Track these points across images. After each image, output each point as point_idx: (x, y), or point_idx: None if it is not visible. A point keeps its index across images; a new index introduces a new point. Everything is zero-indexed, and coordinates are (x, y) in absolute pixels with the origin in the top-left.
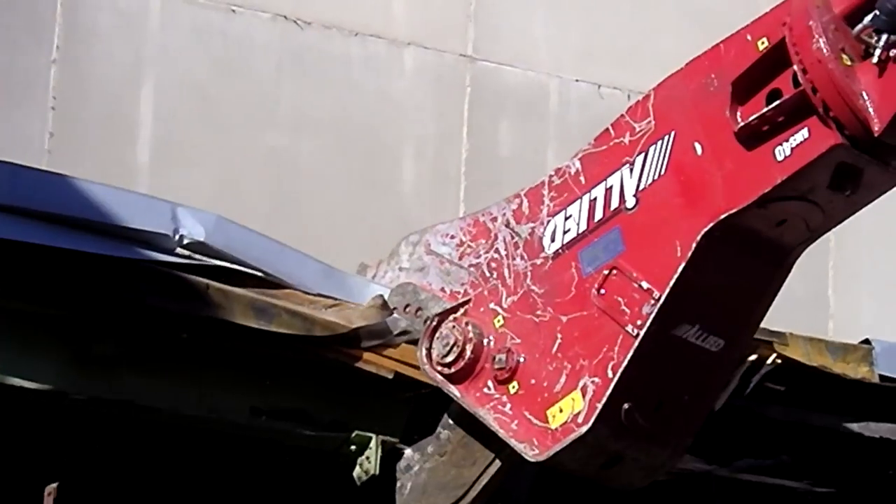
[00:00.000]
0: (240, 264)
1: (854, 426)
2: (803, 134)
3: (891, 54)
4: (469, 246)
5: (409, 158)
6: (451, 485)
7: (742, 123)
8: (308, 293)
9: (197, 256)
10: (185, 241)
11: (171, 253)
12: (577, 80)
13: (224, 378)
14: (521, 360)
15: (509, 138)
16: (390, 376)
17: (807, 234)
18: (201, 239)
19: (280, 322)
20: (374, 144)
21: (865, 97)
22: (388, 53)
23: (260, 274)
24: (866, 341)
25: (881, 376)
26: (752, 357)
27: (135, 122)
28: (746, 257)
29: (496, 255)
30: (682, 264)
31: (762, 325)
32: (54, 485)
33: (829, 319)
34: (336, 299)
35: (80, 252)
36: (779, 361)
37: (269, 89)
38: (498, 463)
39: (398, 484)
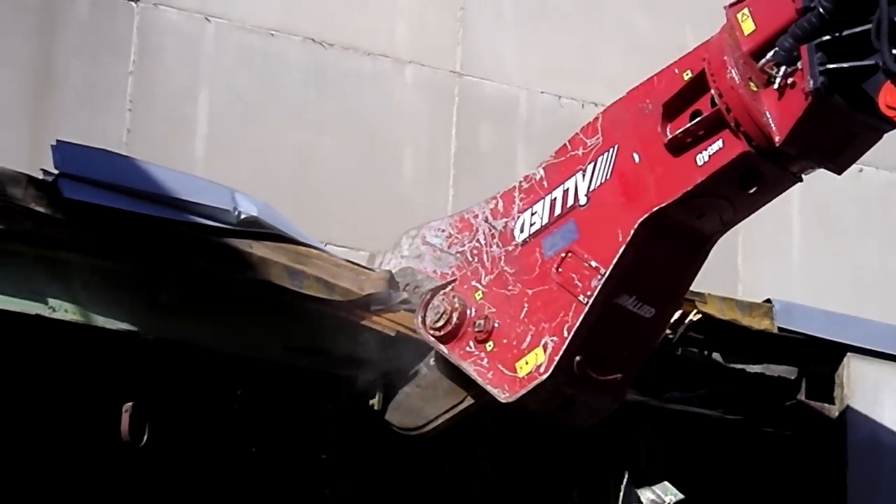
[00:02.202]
0: (283, 236)
1: (757, 367)
2: (718, 144)
3: (788, 82)
4: (456, 237)
5: (409, 154)
6: (417, 413)
7: (671, 136)
8: (334, 258)
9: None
10: (242, 217)
11: (231, 226)
12: (542, 92)
13: (263, 323)
14: (496, 325)
15: (488, 138)
16: (393, 334)
17: (720, 226)
18: (254, 214)
19: (309, 285)
20: (381, 143)
21: (768, 116)
22: (393, 69)
23: (301, 241)
24: (768, 300)
25: (779, 328)
26: (679, 312)
27: (193, 123)
28: (674, 244)
29: (477, 244)
30: (623, 247)
31: None
32: (130, 403)
33: (738, 283)
34: (357, 265)
35: (152, 221)
36: (699, 316)
37: (298, 98)
38: (461, 406)
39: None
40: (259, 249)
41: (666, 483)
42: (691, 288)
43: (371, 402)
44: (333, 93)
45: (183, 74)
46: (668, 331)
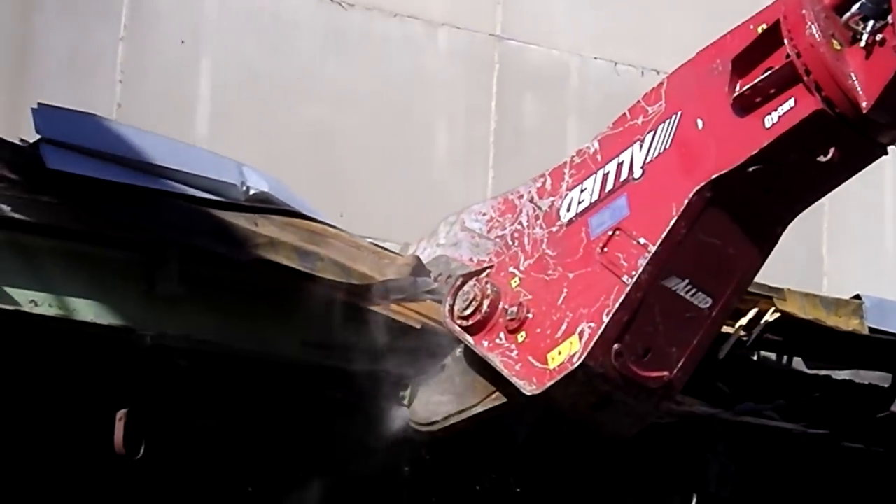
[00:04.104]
0: (295, 212)
1: (845, 374)
2: (790, 103)
3: (877, 38)
4: (497, 220)
5: (443, 130)
6: (433, 409)
7: (738, 93)
8: (354, 238)
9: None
10: (251, 192)
11: (238, 202)
12: (595, 59)
13: (276, 315)
14: (530, 314)
15: (533, 111)
16: (418, 326)
17: (792, 205)
18: (265, 190)
19: (323, 268)
20: (410, 118)
21: (854, 78)
22: (424, 33)
23: (317, 218)
24: (857, 297)
25: (870, 328)
26: (754, 311)
27: (194, 97)
28: (737, 224)
29: (519, 227)
30: (674, 218)
31: (763, 281)
32: (124, 410)
33: (823, 277)
34: (380, 248)
35: (146, 194)
36: (777, 315)
37: (314, 67)
38: (481, 407)
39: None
40: (266, 228)
41: None
42: (769, 283)
43: (402, 400)
44: (355, 61)
45: (181, 41)
46: (742, 332)
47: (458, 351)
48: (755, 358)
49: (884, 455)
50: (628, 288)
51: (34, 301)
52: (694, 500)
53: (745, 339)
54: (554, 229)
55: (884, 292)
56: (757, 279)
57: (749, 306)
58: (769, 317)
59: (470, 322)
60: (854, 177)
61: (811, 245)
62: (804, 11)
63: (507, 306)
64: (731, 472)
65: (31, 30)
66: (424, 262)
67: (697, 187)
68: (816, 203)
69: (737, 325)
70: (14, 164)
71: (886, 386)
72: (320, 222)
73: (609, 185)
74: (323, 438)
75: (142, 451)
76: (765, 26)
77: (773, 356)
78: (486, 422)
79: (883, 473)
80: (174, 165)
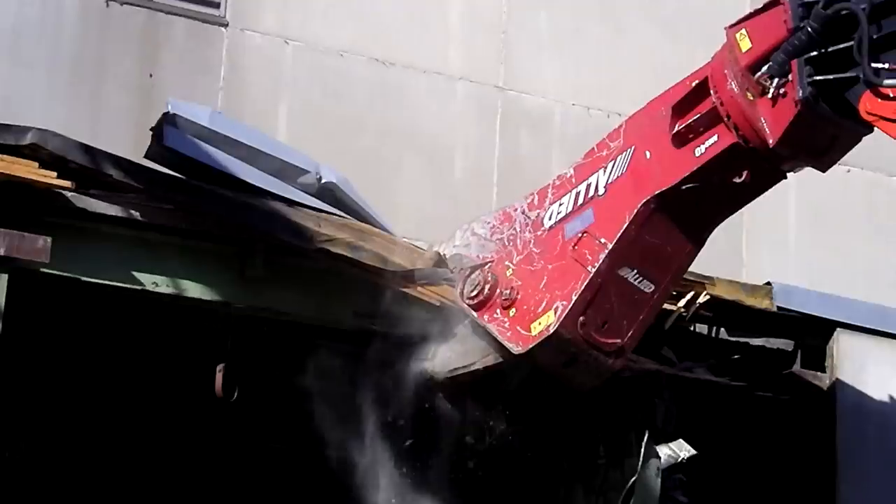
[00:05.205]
0: (356, 207)
1: (759, 341)
2: (714, 138)
3: (780, 92)
4: (497, 227)
5: (460, 158)
6: (445, 364)
7: (676, 130)
8: (392, 236)
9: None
10: (323, 181)
11: (312, 190)
12: (573, 105)
13: (335, 292)
14: (519, 295)
15: (527, 144)
16: (438, 304)
17: (716, 216)
18: (333, 181)
19: (368, 258)
20: (436, 148)
21: (763, 121)
22: (446, 85)
23: (367, 219)
24: (768, 283)
25: (778, 307)
26: (691, 293)
27: (274, 131)
28: (675, 228)
29: (513, 231)
30: (627, 223)
31: (698, 270)
32: (222, 364)
33: (742, 268)
34: (412, 245)
35: (237, 203)
36: (708, 297)
37: (365, 110)
38: (480, 364)
39: None
40: (326, 227)
41: (681, 440)
42: (702, 272)
43: (428, 355)
44: (395, 105)
45: (265, 90)
46: (682, 309)
47: (466, 322)
48: (692, 329)
49: (787, 402)
50: (591, 275)
51: (155, 283)
52: (646, 435)
53: (684, 314)
54: (539, 233)
55: (788, 280)
56: (692, 269)
57: (687, 290)
58: (702, 298)
59: (475, 301)
60: (763, 195)
61: (734, 244)
62: (726, 71)
63: (502, 290)
64: (674, 414)
65: (153, 81)
66: (445, 258)
67: (644, 200)
68: (737, 213)
69: (678, 305)
70: (143, 182)
71: (789, 350)
72: (367, 223)
73: (580, 201)
74: (370, 383)
75: (235, 394)
76: (697, 82)
77: (705, 327)
78: (487, 374)
79: (787, 416)
80: (269, 151)
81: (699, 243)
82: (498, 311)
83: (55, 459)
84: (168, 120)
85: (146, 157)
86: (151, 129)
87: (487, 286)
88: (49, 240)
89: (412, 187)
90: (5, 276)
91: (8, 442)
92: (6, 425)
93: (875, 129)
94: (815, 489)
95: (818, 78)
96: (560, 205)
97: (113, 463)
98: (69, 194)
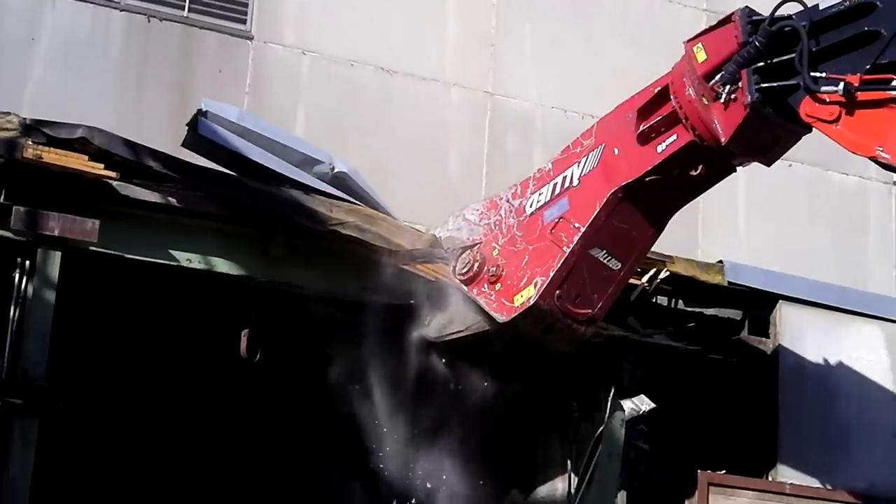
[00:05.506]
0: (364, 194)
1: (712, 311)
2: (673, 137)
3: (731, 97)
4: (485, 214)
5: (454, 154)
6: (440, 330)
7: (640, 130)
8: (396, 221)
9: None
10: (335, 171)
11: (326, 179)
12: (552, 107)
13: (346, 269)
14: (504, 272)
15: (512, 142)
16: (433, 279)
17: (675, 203)
18: (345, 171)
19: (374, 239)
20: (434, 145)
21: (716, 122)
22: (442, 90)
23: (373, 205)
24: (720, 262)
25: (729, 282)
26: (654, 270)
27: (293, 130)
28: (639, 214)
29: (499, 217)
30: (597, 210)
31: (659, 250)
32: (247, 329)
33: (698, 248)
34: (412, 228)
35: (262, 191)
36: (668, 273)
37: (372, 114)
38: (469, 331)
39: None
40: (338, 212)
41: (642, 395)
42: (662, 251)
43: (425, 322)
44: (398, 109)
45: (286, 94)
46: (645, 284)
47: (458, 295)
48: (653, 301)
49: (736, 364)
50: (566, 255)
51: (189, 260)
52: (612, 392)
53: (647, 288)
54: (521, 219)
55: (737, 258)
56: (654, 249)
57: (650, 267)
58: (663, 274)
59: (465, 277)
60: (715, 186)
61: (690, 228)
62: (685, 79)
63: (489, 267)
64: (638, 375)
65: (189, 88)
66: (440, 240)
67: (613, 190)
68: (693, 201)
69: (641, 280)
70: (179, 173)
71: (738, 319)
72: (373, 208)
73: (557, 191)
74: (374, 347)
75: (258, 356)
76: (659, 88)
77: (665, 300)
78: (476, 339)
79: (736, 377)
80: (288, 143)
81: (660, 227)
82: (485, 285)
83: (102, 408)
84: (202, 114)
85: (182, 145)
86: (187, 124)
87: (476, 264)
88: (97, 222)
89: (412, 179)
90: (59, 254)
91: (61, 395)
92: (61, 380)
93: (813, 129)
94: (758, 439)
95: (764, 85)
96: (540, 194)
97: (151, 412)
98: (114, 183)
